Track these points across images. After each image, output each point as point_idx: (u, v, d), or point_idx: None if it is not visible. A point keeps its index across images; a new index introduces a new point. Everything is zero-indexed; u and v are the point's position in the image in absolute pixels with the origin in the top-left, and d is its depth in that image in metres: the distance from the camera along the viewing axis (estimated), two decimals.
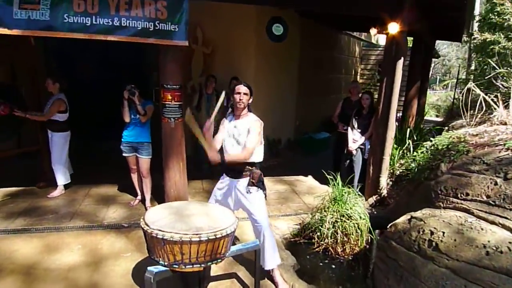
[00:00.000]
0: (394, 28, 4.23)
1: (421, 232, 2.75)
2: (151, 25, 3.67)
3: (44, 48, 6.45)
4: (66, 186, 4.91)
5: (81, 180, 5.16)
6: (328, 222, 3.41)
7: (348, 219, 3.37)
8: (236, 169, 3.12)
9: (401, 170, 5.21)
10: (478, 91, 3.98)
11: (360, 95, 5.23)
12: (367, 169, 4.97)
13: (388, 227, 3.14)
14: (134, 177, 4.51)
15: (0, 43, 4.34)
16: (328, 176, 3.98)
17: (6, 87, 4.97)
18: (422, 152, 3.89)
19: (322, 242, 3.53)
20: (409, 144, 5.45)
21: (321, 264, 3.52)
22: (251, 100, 3.09)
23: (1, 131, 4.67)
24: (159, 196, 4.53)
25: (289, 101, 7.89)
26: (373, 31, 4.64)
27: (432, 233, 2.67)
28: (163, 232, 2.33)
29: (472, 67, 10.90)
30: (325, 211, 3.54)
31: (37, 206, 4.43)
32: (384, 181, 4.80)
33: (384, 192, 4.76)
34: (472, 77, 8.97)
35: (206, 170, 5.63)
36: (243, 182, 3.10)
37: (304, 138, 8.04)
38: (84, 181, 5.21)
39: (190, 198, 4.67)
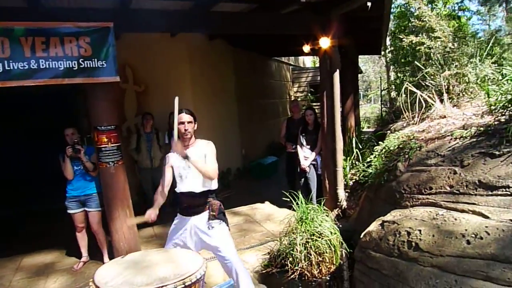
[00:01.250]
0: (325, 42, 4.34)
1: (397, 235, 2.65)
2: (75, 64, 3.32)
3: None
4: None
5: (6, 251, 4.40)
6: (299, 244, 3.20)
7: (319, 237, 3.19)
8: (192, 204, 2.82)
9: (354, 180, 5.24)
10: (415, 90, 4.17)
11: (302, 112, 5.26)
12: (323, 183, 4.91)
13: (361, 236, 3.02)
14: (80, 236, 3.95)
15: None
16: (288, 198, 3.81)
17: None
18: (375, 157, 3.92)
19: (296, 268, 3.29)
20: (356, 153, 5.55)
21: None
22: (195, 126, 2.86)
23: None
24: (107, 253, 3.99)
25: (232, 130, 7.75)
26: (306, 48, 4.73)
27: (409, 233, 2.58)
28: None
29: (392, 77, 11.85)
30: (293, 233, 3.33)
31: None
32: (342, 193, 4.76)
33: (344, 204, 4.71)
34: (393, 87, 9.69)
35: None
36: (202, 217, 2.80)
37: (253, 165, 7.89)
38: (10, 251, 4.44)
39: (142, 248, 4.17)
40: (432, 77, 4.41)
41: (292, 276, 3.36)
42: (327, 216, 3.38)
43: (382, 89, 12.80)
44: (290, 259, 3.32)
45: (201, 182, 2.78)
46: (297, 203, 3.67)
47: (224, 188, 6.67)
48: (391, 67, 11.29)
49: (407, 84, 4.26)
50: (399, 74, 9.14)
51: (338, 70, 4.59)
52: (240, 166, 7.99)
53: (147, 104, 5.92)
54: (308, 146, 5.07)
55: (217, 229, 2.74)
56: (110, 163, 3.59)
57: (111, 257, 3.92)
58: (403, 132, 3.93)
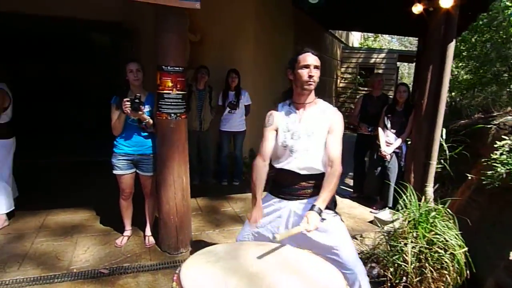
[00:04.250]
0: (447, 1, 3.40)
1: None
2: None
3: None
4: (9, 215, 3.50)
5: (31, 205, 3.77)
6: (410, 254, 2.41)
7: (441, 249, 2.39)
8: (296, 185, 2.03)
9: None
10: None
11: (392, 88, 4.36)
12: (407, 177, 4.06)
13: None
14: (125, 205, 3.16)
15: None
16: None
17: None
18: (502, 154, 3.06)
19: (398, 281, 2.50)
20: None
21: None
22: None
23: None
24: (149, 226, 3.29)
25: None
26: (417, 8, 3.80)
27: None
28: None
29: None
30: (402, 238, 2.54)
31: None
32: (431, 191, 3.91)
33: (432, 205, 3.86)
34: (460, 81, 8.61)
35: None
36: (307, 203, 2.01)
37: None
38: (34, 206, 3.82)
39: None
40: None
41: None
42: (450, 221, 2.56)
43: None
44: (392, 269, 2.53)
45: (317, 160, 1.99)
46: (402, 199, 2.85)
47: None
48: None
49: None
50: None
51: (454, 41, 3.66)
52: None
53: (202, 57, 5.09)
54: (394, 130, 4.19)
55: (332, 223, 1.95)
56: (172, 114, 2.81)
57: (155, 231, 3.22)
58: None
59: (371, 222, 4.01)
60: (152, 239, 3.21)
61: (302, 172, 2.00)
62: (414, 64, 9.15)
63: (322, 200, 1.85)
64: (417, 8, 3.75)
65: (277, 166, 2.07)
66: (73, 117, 8.10)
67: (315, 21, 8.14)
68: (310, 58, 1.93)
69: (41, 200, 4.00)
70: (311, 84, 1.94)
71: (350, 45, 13.74)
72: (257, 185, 2.00)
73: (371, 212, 4.30)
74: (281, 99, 2.14)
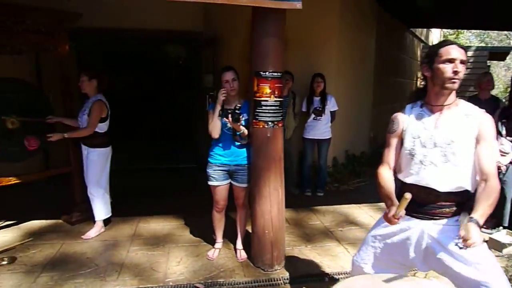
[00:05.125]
0: None
1: None
2: None
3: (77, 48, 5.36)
4: (105, 221, 3.61)
5: (122, 210, 3.87)
6: None
7: None
8: (430, 201, 1.71)
9: None
10: None
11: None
12: None
13: None
14: (219, 217, 3.05)
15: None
16: None
17: (30, 92, 3.76)
18: None
19: None
20: None
21: None
22: None
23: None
24: (241, 239, 3.15)
25: (365, 106, 6.47)
26: None
27: None
28: None
29: None
30: None
31: (69, 254, 3.11)
32: None
33: None
34: None
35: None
36: (445, 227, 1.68)
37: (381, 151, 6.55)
38: (127, 212, 3.92)
39: None
40: None
41: None
42: None
43: None
44: None
45: (459, 174, 1.66)
46: None
47: (354, 175, 5.53)
48: None
49: None
50: None
51: None
52: (366, 150, 6.72)
53: (286, 62, 4.90)
54: (510, 138, 3.61)
55: (482, 251, 1.61)
56: (269, 123, 2.64)
57: (246, 245, 3.07)
58: None
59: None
60: (244, 253, 3.06)
61: (441, 189, 1.67)
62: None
63: (480, 214, 1.51)
64: None
65: (406, 180, 1.77)
66: (158, 125, 8.44)
67: (397, 19, 7.59)
68: (455, 51, 1.60)
69: (133, 206, 4.12)
70: (455, 82, 1.61)
71: (430, 43, 12.72)
72: (387, 188, 1.75)
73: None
74: (411, 100, 1.84)
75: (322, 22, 4.92)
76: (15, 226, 3.64)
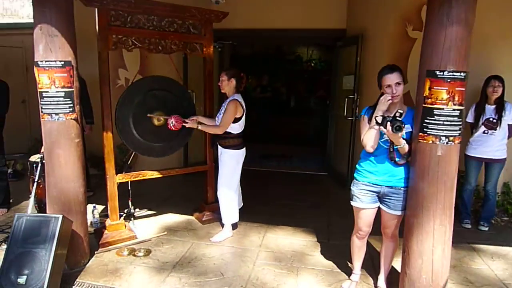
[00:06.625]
0: None
1: None
2: None
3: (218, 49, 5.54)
4: (233, 225, 3.49)
5: (251, 215, 3.70)
6: None
7: None
8: None
9: None
10: None
11: None
12: None
13: None
14: (359, 245, 2.53)
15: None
16: None
17: (178, 91, 3.88)
18: None
19: None
20: None
21: None
22: None
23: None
24: (384, 275, 2.58)
25: None
26: None
27: None
28: None
29: None
30: None
31: (198, 255, 3.04)
32: None
33: None
34: None
35: None
36: None
37: None
38: (255, 217, 3.74)
39: None
40: None
41: None
42: None
43: None
44: None
45: None
46: None
47: None
48: None
49: None
50: None
51: None
52: None
53: None
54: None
55: None
56: (443, 138, 2.01)
57: (390, 284, 2.49)
58: None
59: None
60: None
61: None
62: None
63: None
64: None
65: None
66: (290, 128, 8.31)
67: None
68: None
69: (261, 212, 3.94)
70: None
71: None
72: None
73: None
74: None
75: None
76: (153, 217, 3.83)
